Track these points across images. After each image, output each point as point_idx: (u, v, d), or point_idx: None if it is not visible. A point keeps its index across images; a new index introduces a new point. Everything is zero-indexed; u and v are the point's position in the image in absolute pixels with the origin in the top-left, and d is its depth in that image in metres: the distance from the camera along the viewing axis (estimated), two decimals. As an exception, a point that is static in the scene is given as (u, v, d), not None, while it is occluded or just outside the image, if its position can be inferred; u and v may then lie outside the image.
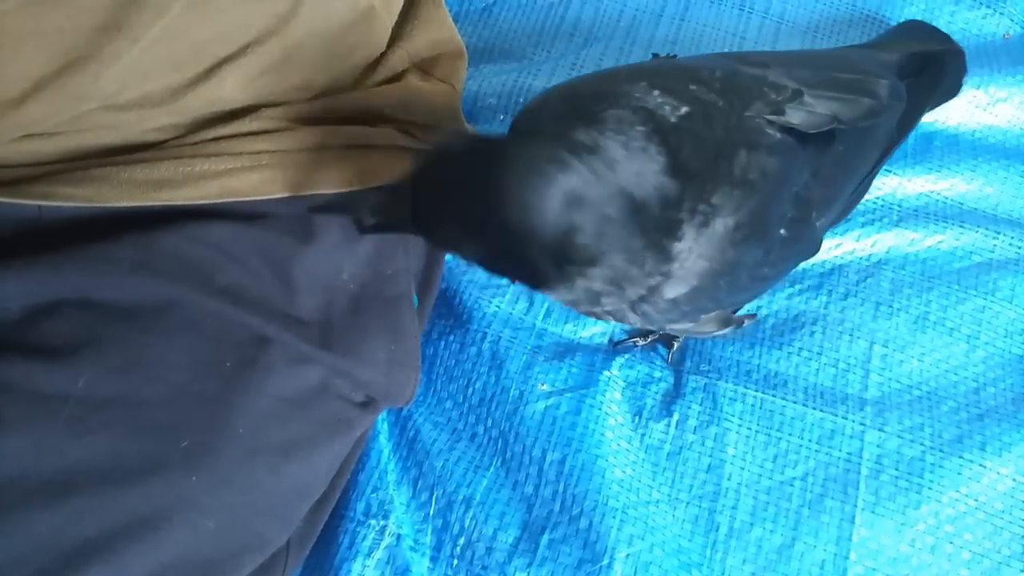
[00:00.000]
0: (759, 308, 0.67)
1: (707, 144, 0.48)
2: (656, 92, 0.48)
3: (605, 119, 0.45)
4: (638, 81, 0.49)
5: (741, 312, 0.63)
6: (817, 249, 0.60)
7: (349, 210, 0.48)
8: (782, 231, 0.53)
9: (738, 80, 0.53)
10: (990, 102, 0.73)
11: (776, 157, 0.51)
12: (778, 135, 0.52)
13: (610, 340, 0.67)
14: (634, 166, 0.44)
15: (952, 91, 0.71)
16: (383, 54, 0.57)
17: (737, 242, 0.49)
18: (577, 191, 0.41)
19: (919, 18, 0.78)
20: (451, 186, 0.41)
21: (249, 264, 0.51)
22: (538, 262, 0.42)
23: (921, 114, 0.67)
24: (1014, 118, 0.73)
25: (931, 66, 0.67)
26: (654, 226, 0.45)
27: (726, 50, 0.79)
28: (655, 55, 0.64)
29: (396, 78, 0.58)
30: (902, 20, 0.78)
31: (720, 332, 0.59)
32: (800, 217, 0.54)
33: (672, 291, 0.49)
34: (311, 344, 0.52)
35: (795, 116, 0.53)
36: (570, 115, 0.46)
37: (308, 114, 0.54)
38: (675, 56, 0.62)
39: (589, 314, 0.54)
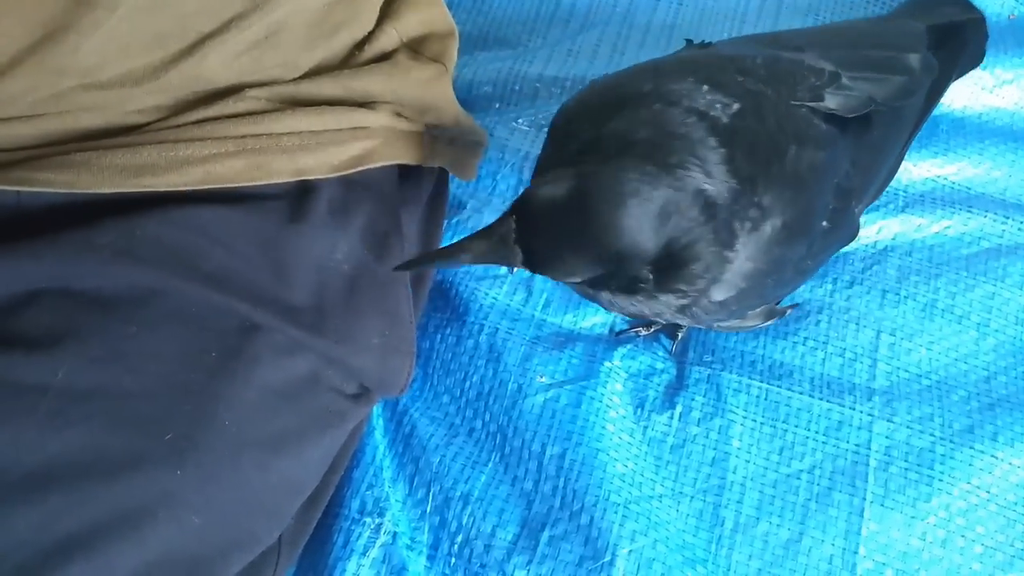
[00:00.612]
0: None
1: (760, 142, 0.49)
2: (705, 88, 0.49)
3: (665, 125, 0.47)
4: (685, 77, 0.50)
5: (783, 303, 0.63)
6: (855, 234, 0.60)
7: (446, 259, 0.50)
8: (824, 223, 0.53)
9: (780, 66, 0.53)
10: (996, 84, 0.72)
11: (824, 151, 0.51)
12: (824, 126, 0.52)
13: (611, 329, 0.66)
14: (701, 174, 0.46)
15: (976, 60, 0.70)
16: (371, 33, 0.56)
17: (782, 241, 0.49)
18: (667, 205, 0.44)
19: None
20: (559, 224, 0.45)
21: (235, 247, 0.49)
22: (643, 275, 0.46)
23: (947, 85, 0.66)
24: (1021, 100, 0.72)
25: (953, 35, 0.66)
26: (719, 230, 0.47)
27: (726, 33, 0.78)
28: (688, 41, 0.62)
29: (385, 57, 0.57)
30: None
31: (763, 324, 0.59)
32: (841, 207, 0.54)
33: (720, 294, 0.49)
34: (302, 329, 0.51)
35: (833, 101, 0.53)
36: (624, 122, 0.47)
37: (295, 95, 0.52)
38: (710, 43, 0.61)
39: (638, 316, 0.55)
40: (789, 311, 0.62)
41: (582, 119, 0.50)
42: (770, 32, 0.65)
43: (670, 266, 0.46)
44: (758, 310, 0.57)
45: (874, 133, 0.56)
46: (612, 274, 0.47)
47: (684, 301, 0.49)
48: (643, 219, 0.44)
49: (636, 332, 0.65)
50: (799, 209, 0.50)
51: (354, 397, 0.55)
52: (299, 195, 0.52)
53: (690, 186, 0.45)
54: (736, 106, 0.49)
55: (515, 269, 0.64)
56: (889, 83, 0.56)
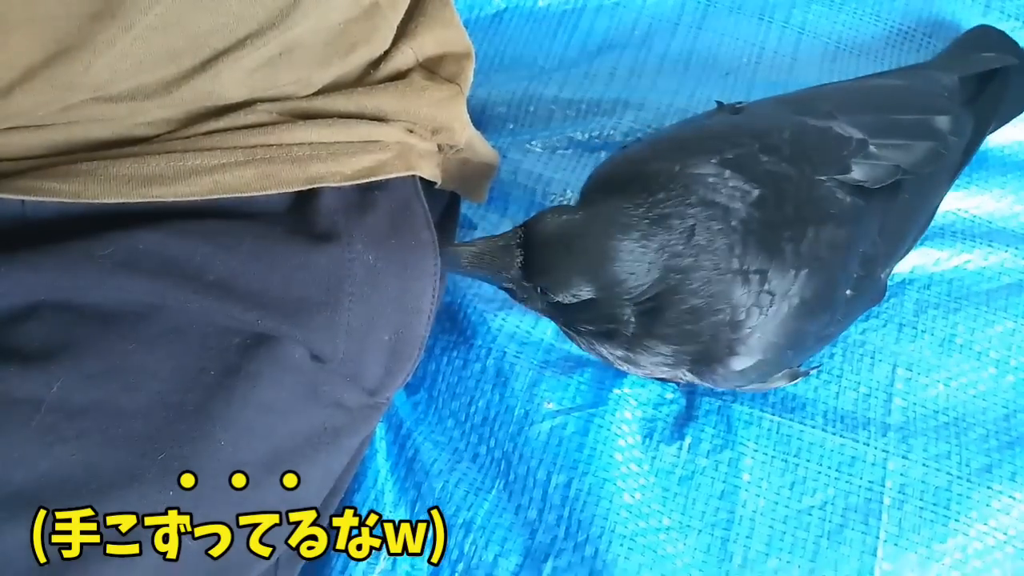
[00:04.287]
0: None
1: (776, 229, 0.52)
2: (727, 174, 0.52)
3: (682, 213, 0.51)
4: (709, 158, 0.53)
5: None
6: (882, 297, 0.61)
7: (450, 256, 0.53)
8: (848, 292, 0.55)
9: (806, 139, 0.55)
10: (1019, 117, 0.70)
11: (845, 228, 0.53)
12: (848, 199, 0.54)
13: None
14: (709, 260, 0.50)
15: (1017, 107, 0.69)
16: (387, 52, 0.56)
17: (801, 316, 0.52)
18: (663, 246, 0.50)
19: (946, 30, 0.76)
20: (562, 238, 0.49)
21: (242, 250, 0.49)
22: (624, 314, 0.51)
23: (983, 138, 0.65)
24: (1044, 134, 0.71)
25: (993, 83, 0.66)
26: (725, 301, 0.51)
27: (744, 60, 0.78)
28: (719, 104, 0.63)
29: (400, 76, 0.56)
30: (929, 30, 0.76)
31: (783, 384, 0.60)
32: (866, 275, 0.55)
33: (739, 364, 0.52)
34: (312, 330, 0.50)
35: (860, 172, 0.55)
36: (643, 198, 0.51)
37: (307, 110, 0.52)
38: (741, 107, 0.61)
39: (657, 378, 0.59)
40: (813, 372, 0.62)
41: (601, 186, 0.55)
42: (803, 91, 0.65)
43: (653, 309, 0.50)
44: (780, 374, 0.57)
45: (902, 198, 0.57)
46: (598, 306, 0.50)
47: (670, 357, 0.53)
48: (637, 252, 0.49)
49: None
50: (817, 287, 0.52)
51: (354, 411, 0.54)
52: (308, 197, 0.52)
53: (696, 263, 0.50)
54: (756, 193, 0.52)
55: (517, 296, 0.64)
56: (917, 150, 0.57)
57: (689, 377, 0.55)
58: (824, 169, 0.54)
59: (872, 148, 0.55)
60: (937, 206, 0.63)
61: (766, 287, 0.51)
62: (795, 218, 0.53)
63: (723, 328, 0.51)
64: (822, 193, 0.54)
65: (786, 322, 0.52)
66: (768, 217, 0.52)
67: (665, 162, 0.53)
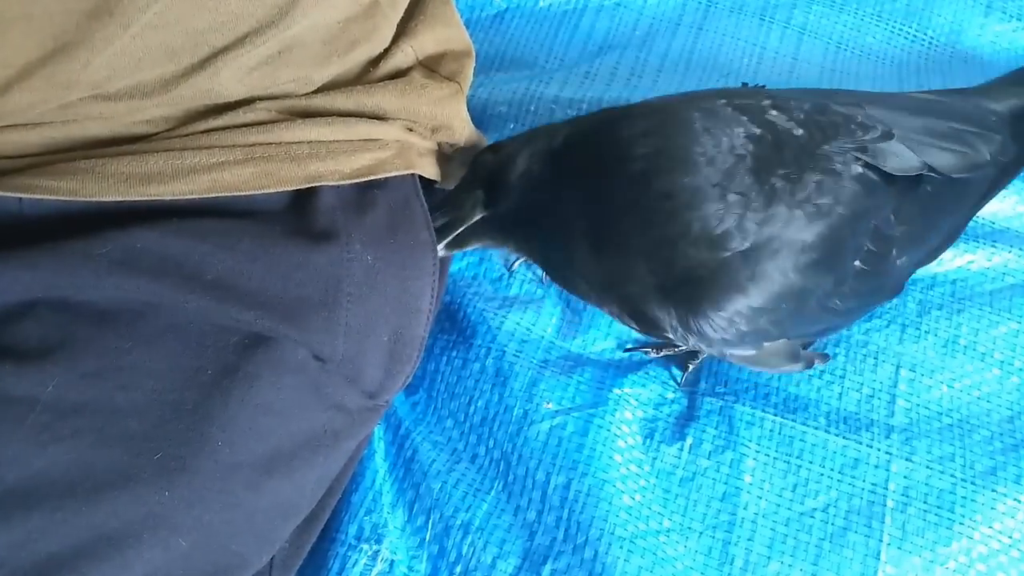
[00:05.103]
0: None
1: (769, 167, 0.50)
2: (729, 111, 0.52)
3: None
4: (716, 98, 0.53)
5: (813, 348, 0.61)
6: (899, 290, 0.59)
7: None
8: (857, 263, 0.53)
9: (825, 116, 0.54)
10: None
11: (853, 186, 0.52)
12: (858, 168, 0.53)
13: (619, 345, 0.65)
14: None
15: None
16: (387, 50, 0.55)
17: (801, 267, 0.50)
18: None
19: (947, 31, 0.76)
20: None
21: (240, 249, 0.48)
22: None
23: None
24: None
25: None
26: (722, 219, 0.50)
27: (745, 61, 0.77)
28: (744, 85, 0.63)
29: (400, 75, 0.56)
30: (930, 31, 0.76)
31: (788, 367, 0.58)
32: (879, 252, 0.54)
33: (727, 301, 0.50)
34: (311, 331, 0.49)
35: (881, 157, 0.53)
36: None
37: (306, 108, 0.52)
38: (764, 87, 0.61)
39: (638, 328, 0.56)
40: (818, 361, 0.60)
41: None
42: (839, 90, 0.64)
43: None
44: (777, 344, 0.55)
45: (925, 189, 0.56)
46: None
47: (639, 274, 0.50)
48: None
49: (645, 351, 0.64)
50: (818, 237, 0.50)
51: (353, 413, 0.53)
52: (306, 196, 0.51)
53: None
54: (756, 131, 0.51)
55: (514, 263, 0.66)
56: (951, 154, 0.56)
57: (668, 320, 0.52)
58: (837, 143, 0.53)
59: (896, 141, 0.54)
60: (967, 217, 0.62)
61: (750, 213, 0.49)
62: (793, 163, 0.51)
63: (697, 246, 0.49)
64: (829, 152, 0.52)
65: (781, 265, 0.50)
66: (763, 153, 0.51)
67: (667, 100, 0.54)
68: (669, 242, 0.50)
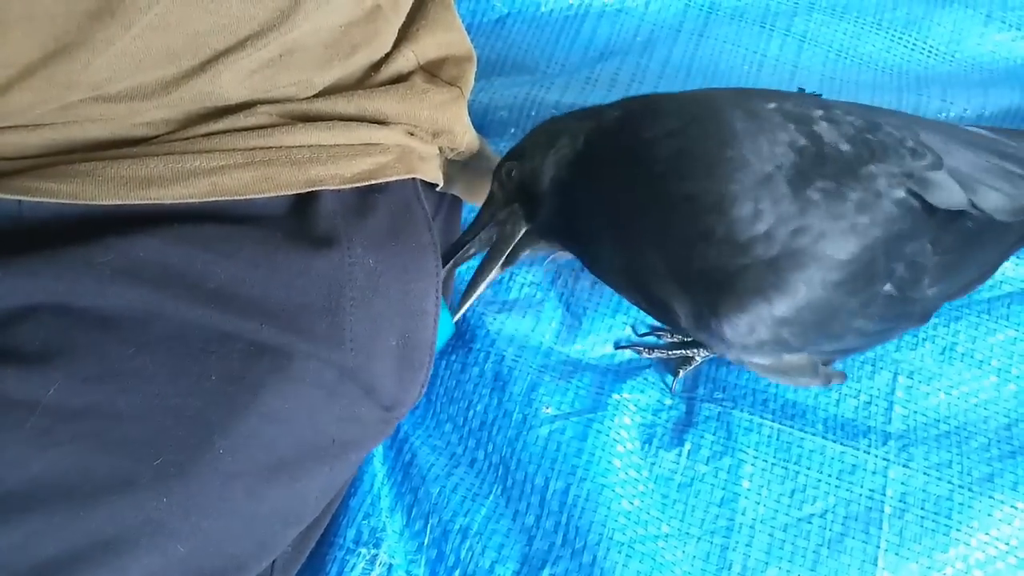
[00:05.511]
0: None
1: (807, 178, 0.50)
2: (777, 118, 0.52)
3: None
4: (766, 101, 0.53)
5: (832, 366, 0.60)
6: (926, 319, 0.58)
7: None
8: (887, 287, 0.52)
9: (876, 134, 0.53)
10: (1019, 127, 0.70)
11: (893, 210, 0.51)
12: (901, 193, 0.52)
13: (616, 343, 0.65)
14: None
15: None
16: (388, 54, 0.55)
17: (830, 283, 0.50)
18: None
19: (947, 40, 0.76)
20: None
21: (242, 258, 0.48)
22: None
23: None
24: (1047, 143, 0.70)
25: None
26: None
27: (745, 68, 0.78)
28: (801, 90, 0.62)
29: (401, 79, 0.56)
30: (930, 39, 0.76)
31: (806, 381, 0.57)
32: (911, 279, 0.53)
33: (750, 309, 0.49)
34: (315, 340, 0.49)
35: (927, 187, 0.52)
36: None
37: (307, 112, 0.52)
38: (820, 95, 0.60)
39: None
40: (835, 380, 0.60)
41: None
42: (892, 110, 0.62)
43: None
44: (799, 358, 0.55)
45: (966, 224, 0.55)
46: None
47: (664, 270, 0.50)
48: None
49: (637, 350, 0.64)
50: (851, 255, 0.50)
51: (367, 425, 0.53)
52: (307, 200, 0.51)
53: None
54: (801, 142, 0.51)
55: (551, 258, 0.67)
56: (997, 195, 0.55)
57: (683, 315, 0.51)
58: (884, 165, 0.52)
59: (945, 172, 0.53)
60: (1004, 256, 0.61)
61: (781, 222, 0.48)
62: (834, 178, 0.50)
63: (720, 249, 0.49)
64: (874, 172, 0.51)
65: (809, 278, 0.49)
66: (804, 164, 0.50)
67: (730, 97, 0.53)
68: (689, 243, 0.50)
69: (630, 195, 0.52)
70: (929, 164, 0.53)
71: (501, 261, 0.58)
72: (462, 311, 0.57)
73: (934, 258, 0.54)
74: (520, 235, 0.57)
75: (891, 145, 0.53)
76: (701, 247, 0.49)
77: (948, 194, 0.53)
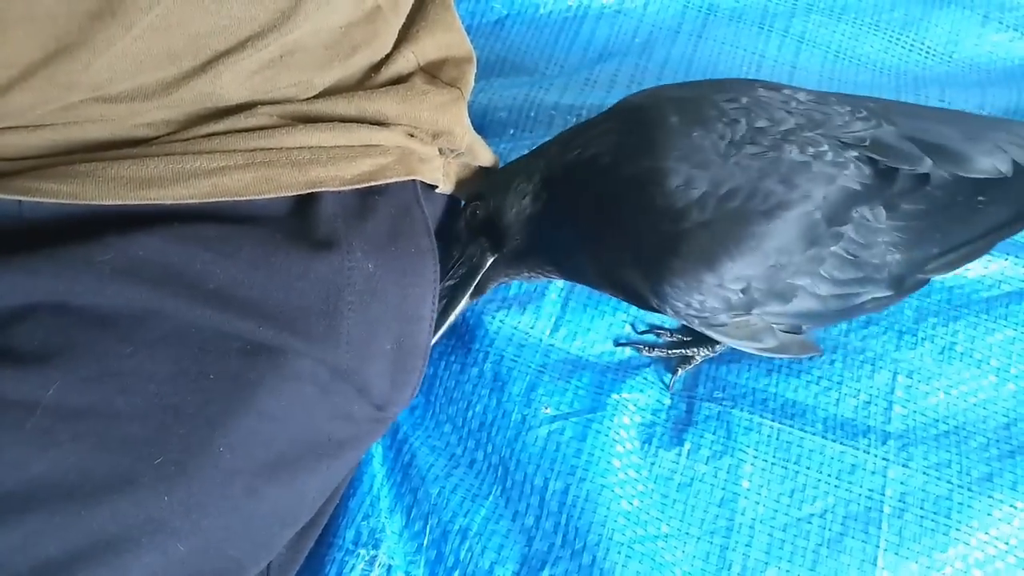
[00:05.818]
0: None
1: (742, 146, 0.53)
2: (718, 99, 0.55)
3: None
4: (714, 93, 0.56)
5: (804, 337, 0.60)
6: (904, 288, 0.58)
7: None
8: (834, 248, 0.53)
9: (824, 106, 0.56)
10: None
11: (830, 170, 0.53)
12: (847, 156, 0.54)
13: (615, 341, 0.65)
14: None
15: None
16: (388, 55, 0.55)
17: (764, 239, 0.51)
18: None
19: (944, 40, 0.76)
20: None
21: (241, 259, 0.48)
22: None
23: None
24: (1045, 143, 0.70)
25: None
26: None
27: (744, 69, 0.78)
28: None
29: (401, 80, 0.56)
30: (928, 40, 0.77)
31: (769, 348, 0.57)
32: (863, 243, 0.54)
33: (690, 271, 0.51)
34: (312, 340, 0.49)
35: (881, 151, 0.54)
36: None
37: (307, 113, 0.52)
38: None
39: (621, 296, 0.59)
40: (807, 353, 0.60)
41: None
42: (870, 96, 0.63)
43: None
44: (752, 319, 0.55)
45: (933, 192, 0.55)
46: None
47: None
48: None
49: (637, 348, 0.65)
50: (786, 214, 0.52)
51: (360, 424, 0.53)
52: (308, 202, 0.51)
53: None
54: (741, 118, 0.54)
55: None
56: (950, 157, 0.55)
57: (645, 290, 0.54)
58: (825, 129, 0.54)
59: (897, 136, 0.55)
60: (989, 241, 0.59)
61: (711, 187, 0.51)
62: (770, 145, 0.53)
63: (661, 219, 0.51)
64: (811, 138, 0.54)
65: (739, 235, 0.51)
66: (739, 134, 0.53)
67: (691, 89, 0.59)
68: (636, 219, 0.53)
69: (588, 197, 0.55)
70: (877, 125, 0.55)
71: (470, 291, 0.60)
72: (435, 339, 0.58)
73: (891, 223, 0.55)
74: (487, 266, 0.60)
75: (835, 114, 0.55)
76: (645, 220, 0.52)
77: (905, 156, 0.55)
